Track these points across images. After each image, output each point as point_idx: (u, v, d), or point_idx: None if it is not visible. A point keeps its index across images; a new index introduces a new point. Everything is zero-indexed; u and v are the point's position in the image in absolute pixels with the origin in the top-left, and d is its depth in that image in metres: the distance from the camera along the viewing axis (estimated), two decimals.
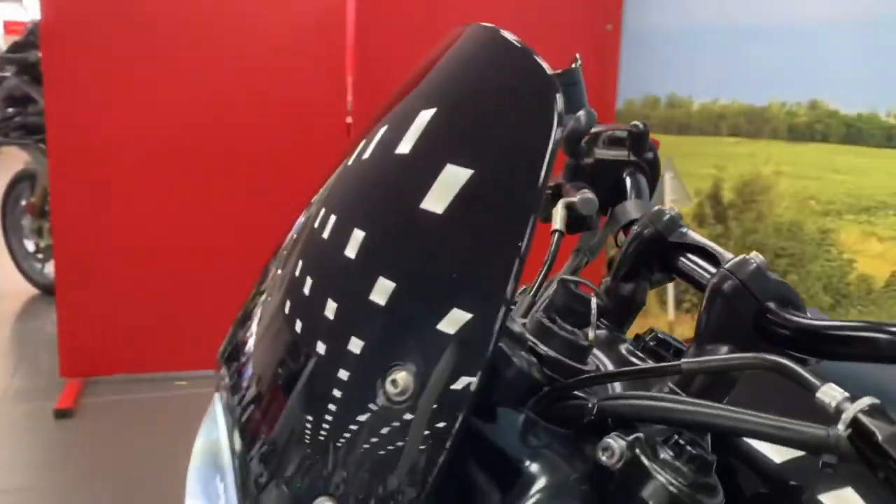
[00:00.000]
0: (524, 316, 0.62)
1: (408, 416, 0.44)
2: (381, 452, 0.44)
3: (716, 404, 0.50)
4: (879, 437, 0.40)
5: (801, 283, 2.53)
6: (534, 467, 0.49)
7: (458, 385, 0.44)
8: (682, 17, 3.21)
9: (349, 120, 3.24)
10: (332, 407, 0.46)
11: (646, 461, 0.47)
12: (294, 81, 3.17)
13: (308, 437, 0.45)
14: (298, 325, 0.48)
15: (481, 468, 0.50)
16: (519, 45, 0.52)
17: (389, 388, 0.44)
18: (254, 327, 0.53)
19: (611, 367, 0.59)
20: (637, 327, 0.68)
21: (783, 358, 0.46)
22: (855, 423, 0.42)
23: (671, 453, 0.48)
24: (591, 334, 0.54)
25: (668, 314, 3.18)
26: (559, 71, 0.73)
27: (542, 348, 0.53)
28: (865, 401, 0.42)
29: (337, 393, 0.46)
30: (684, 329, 3.08)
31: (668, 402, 0.50)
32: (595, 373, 0.53)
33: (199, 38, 3.08)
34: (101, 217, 3.09)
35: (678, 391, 0.54)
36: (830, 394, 0.43)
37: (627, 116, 3.60)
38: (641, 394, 0.51)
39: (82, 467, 2.53)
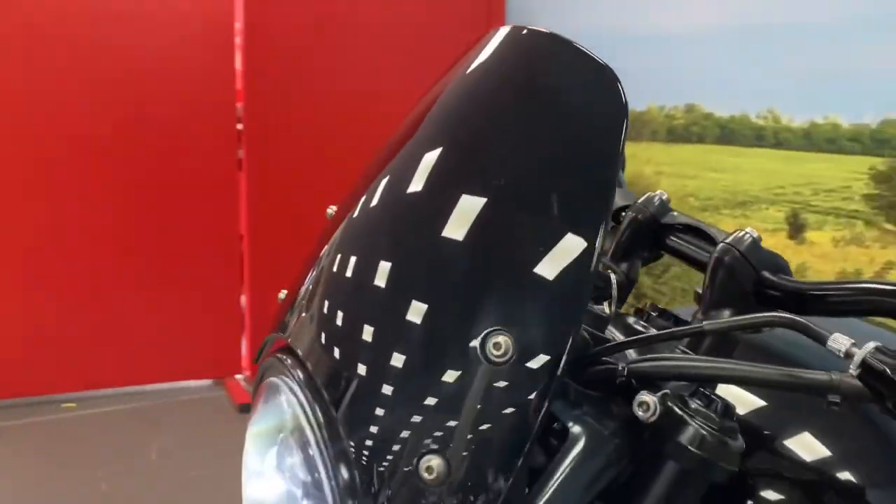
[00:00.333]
0: None
1: (509, 376, 0.48)
2: (485, 410, 0.48)
3: (730, 360, 0.56)
4: (889, 371, 0.48)
5: (684, 274, 2.72)
6: (574, 428, 0.54)
7: (553, 346, 0.48)
8: (564, 24, 3.37)
9: (239, 126, 3.18)
10: (434, 370, 0.49)
11: (679, 411, 0.53)
12: (180, 92, 3.08)
13: (410, 400, 0.48)
14: (393, 298, 0.51)
15: None
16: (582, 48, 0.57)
17: (491, 349, 0.48)
18: (327, 306, 0.54)
19: (622, 338, 0.65)
20: None
21: (794, 316, 0.53)
22: (864, 364, 0.49)
23: (700, 402, 0.54)
24: (612, 308, 0.60)
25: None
26: None
27: None
28: (871, 345, 0.50)
29: (439, 357, 0.49)
30: None
31: (690, 360, 0.56)
32: (628, 339, 0.58)
33: (78, 40, 2.93)
34: None
35: (688, 352, 0.60)
36: (840, 341, 0.50)
37: None
38: (666, 356, 0.57)
39: None
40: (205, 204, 3.17)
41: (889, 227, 2.19)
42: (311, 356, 0.52)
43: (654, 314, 0.68)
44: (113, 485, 2.40)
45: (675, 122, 2.85)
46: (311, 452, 0.50)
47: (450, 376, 0.48)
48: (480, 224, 0.51)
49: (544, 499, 0.52)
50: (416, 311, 0.50)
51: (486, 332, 0.48)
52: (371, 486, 0.47)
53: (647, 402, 0.53)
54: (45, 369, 2.99)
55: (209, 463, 2.60)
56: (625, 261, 0.72)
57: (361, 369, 0.50)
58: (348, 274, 0.54)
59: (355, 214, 0.57)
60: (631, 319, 0.69)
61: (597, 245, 0.50)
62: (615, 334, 0.66)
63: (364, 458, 0.48)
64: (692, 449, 0.52)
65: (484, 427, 0.48)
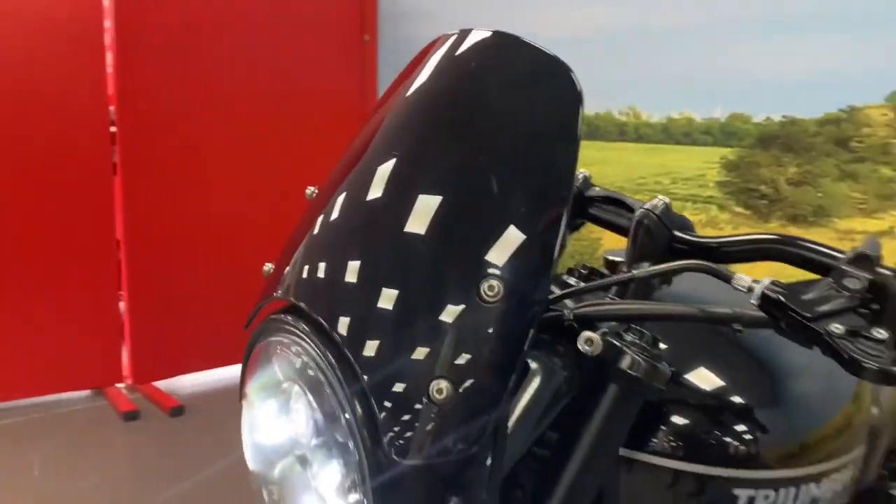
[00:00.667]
0: None
1: (500, 312, 0.57)
2: (482, 339, 0.57)
3: (655, 302, 0.68)
4: (782, 298, 0.61)
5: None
6: (532, 365, 0.65)
7: (532, 289, 0.58)
8: (433, 28, 3.50)
9: (113, 129, 3.10)
10: (439, 309, 0.57)
11: (618, 344, 0.64)
12: (49, 94, 2.96)
13: (419, 336, 0.56)
14: (405, 253, 0.58)
15: None
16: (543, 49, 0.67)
17: (486, 291, 0.57)
18: (336, 262, 0.61)
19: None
20: None
21: (705, 262, 0.66)
22: (763, 295, 0.62)
23: (633, 336, 0.65)
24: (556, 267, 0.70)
25: None
26: None
27: None
28: (767, 280, 0.63)
29: (444, 298, 0.57)
30: None
31: (623, 304, 0.68)
32: (575, 288, 0.69)
33: None
34: None
35: (618, 299, 0.72)
36: (743, 279, 0.63)
37: None
38: (603, 301, 0.69)
39: None
40: (79, 209, 3.06)
41: (739, 209, 2.45)
42: (321, 307, 0.59)
43: (584, 272, 0.79)
44: None
45: None
46: (326, 392, 0.57)
47: (453, 313, 0.57)
48: (474, 195, 0.60)
49: (511, 422, 0.62)
50: (425, 263, 0.58)
51: (482, 276, 0.58)
52: (386, 413, 0.55)
53: (592, 339, 0.64)
54: None
55: (98, 472, 2.54)
56: None
57: (374, 313, 0.57)
58: (356, 233, 0.61)
59: (356, 183, 0.64)
60: (565, 277, 0.80)
61: (565, 211, 0.61)
62: (554, 290, 0.77)
63: (379, 390, 0.56)
64: (630, 372, 0.63)
65: (481, 353, 0.57)
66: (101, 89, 3.07)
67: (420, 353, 0.56)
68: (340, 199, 0.64)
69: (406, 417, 0.55)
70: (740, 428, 0.73)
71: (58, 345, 3.05)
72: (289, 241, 0.69)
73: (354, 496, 0.57)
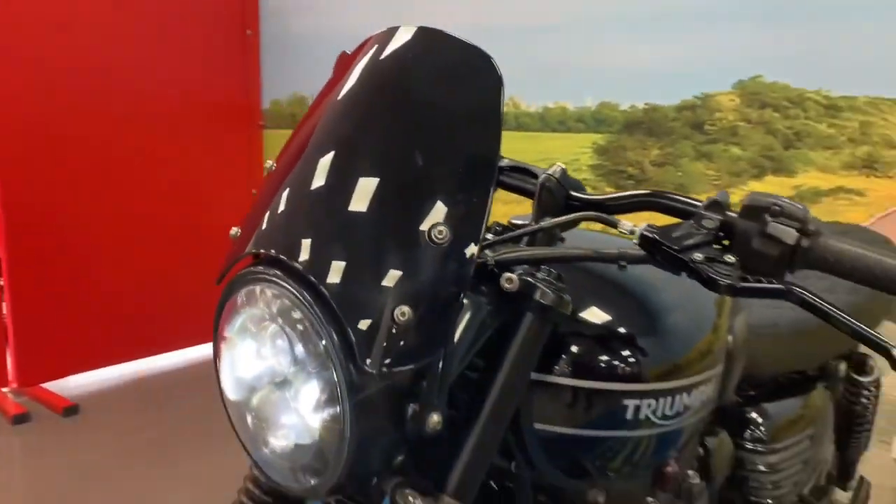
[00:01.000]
0: None
1: (447, 252, 0.70)
2: (434, 273, 0.70)
3: (558, 247, 0.84)
4: (658, 237, 0.77)
5: None
6: (464, 300, 0.79)
7: (473, 234, 0.72)
8: (318, 22, 3.58)
9: None
10: (401, 249, 0.69)
11: (532, 280, 0.79)
12: None
13: (384, 271, 0.68)
14: (372, 204, 0.70)
15: None
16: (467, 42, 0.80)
17: (436, 235, 0.70)
18: (303, 215, 0.72)
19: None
20: None
21: (597, 212, 0.82)
22: (642, 235, 0.78)
23: (543, 274, 0.80)
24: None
25: None
26: None
27: None
28: (644, 224, 0.79)
29: (401, 239, 0.70)
30: None
31: (534, 249, 0.83)
32: (495, 239, 0.83)
33: None
34: None
35: (528, 248, 0.87)
36: (626, 224, 0.79)
37: (275, 115, 3.87)
38: (518, 248, 0.83)
39: None
40: None
41: (610, 190, 2.69)
42: (294, 254, 0.70)
43: (499, 229, 0.94)
44: None
45: None
46: (305, 325, 0.68)
47: (411, 253, 0.70)
48: (422, 162, 0.73)
49: (447, 349, 0.75)
50: (384, 213, 0.71)
51: (431, 224, 0.70)
52: (358, 336, 0.67)
53: (511, 278, 0.78)
54: None
55: None
56: None
57: (342, 256, 0.69)
58: (320, 191, 0.72)
59: (316, 150, 0.75)
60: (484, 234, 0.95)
61: (495, 173, 0.75)
62: None
63: (351, 317, 0.67)
64: (543, 301, 0.78)
65: (434, 284, 0.70)
66: None
67: (384, 285, 0.69)
68: (300, 164, 0.75)
69: (375, 338, 0.67)
70: (628, 350, 0.89)
71: None
72: (253, 208, 0.79)
73: (330, 409, 0.69)
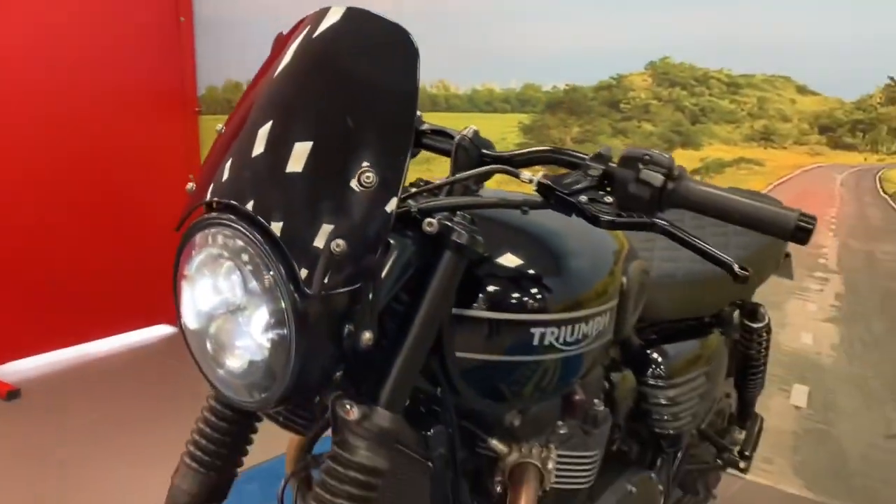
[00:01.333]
0: None
1: (374, 194, 0.83)
2: (363, 212, 0.82)
3: (470, 196, 0.98)
4: (551, 184, 0.92)
5: None
6: (392, 241, 0.91)
7: (395, 179, 0.84)
8: (250, 7, 3.64)
9: None
10: (335, 192, 0.81)
11: (450, 224, 0.92)
12: None
13: (322, 210, 0.80)
14: (312, 154, 0.82)
15: None
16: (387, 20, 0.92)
17: (364, 179, 0.82)
18: (250, 167, 0.82)
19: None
20: None
21: (504, 166, 0.96)
22: (539, 183, 0.92)
23: (459, 219, 0.94)
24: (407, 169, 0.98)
25: None
26: None
27: None
28: (541, 173, 0.94)
29: (336, 183, 0.82)
30: None
31: (452, 198, 0.97)
32: (418, 189, 0.96)
33: None
34: None
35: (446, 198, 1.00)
36: (526, 174, 0.93)
37: (210, 101, 3.92)
38: (438, 198, 0.97)
39: None
40: None
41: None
42: (245, 200, 0.81)
43: (422, 183, 1.07)
44: None
45: None
46: (255, 261, 0.80)
47: (344, 196, 0.82)
48: (350, 121, 0.85)
49: (382, 276, 0.88)
50: (319, 162, 0.83)
51: (360, 169, 0.83)
52: (301, 266, 0.79)
53: (432, 222, 0.91)
54: None
55: None
56: None
57: (286, 198, 0.80)
58: (264, 147, 0.84)
59: (260, 114, 0.87)
60: (408, 187, 1.08)
61: (412, 130, 0.88)
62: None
63: (295, 251, 0.79)
64: (458, 241, 0.92)
65: (363, 221, 0.83)
66: None
67: (321, 223, 0.81)
68: (247, 126, 0.87)
69: (315, 266, 0.79)
70: (533, 286, 1.03)
71: None
72: (205, 164, 0.90)
73: (278, 331, 0.81)
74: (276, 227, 0.80)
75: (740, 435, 1.97)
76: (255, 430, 1.09)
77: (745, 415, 1.99)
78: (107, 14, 3.53)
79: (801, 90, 2.30)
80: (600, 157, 0.93)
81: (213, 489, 1.06)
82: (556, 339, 1.05)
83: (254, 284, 0.82)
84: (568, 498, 1.27)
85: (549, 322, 1.04)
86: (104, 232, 3.61)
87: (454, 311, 1.00)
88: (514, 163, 1.04)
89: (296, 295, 0.79)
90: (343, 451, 0.88)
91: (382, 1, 3.24)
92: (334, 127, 0.86)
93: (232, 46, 3.75)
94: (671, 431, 1.52)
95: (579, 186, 0.91)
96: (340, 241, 0.80)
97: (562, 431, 1.20)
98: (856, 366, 2.30)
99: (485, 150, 1.05)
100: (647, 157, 0.89)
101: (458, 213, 0.95)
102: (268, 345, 0.83)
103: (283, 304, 0.80)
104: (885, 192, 2.20)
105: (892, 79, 2.15)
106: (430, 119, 1.16)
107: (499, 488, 1.13)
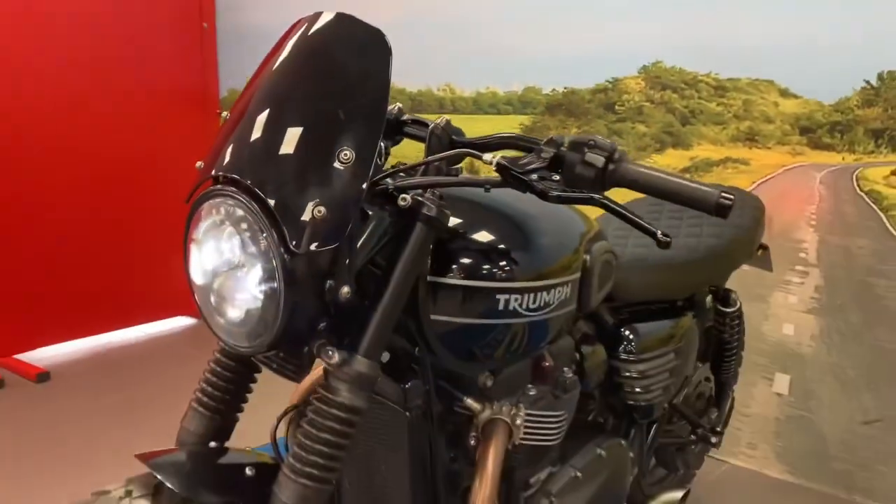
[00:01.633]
0: None
1: (352, 170, 0.98)
2: (342, 184, 0.97)
3: (447, 176, 1.13)
4: (507, 164, 1.06)
5: None
6: (369, 212, 1.06)
7: (369, 157, 0.99)
8: (273, 16, 3.82)
9: None
10: (318, 168, 0.95)
11: (421, 199, 1.07)
12: None
13: (308, 183, 0.94)
14: (291, 137, 0.96)
15: None
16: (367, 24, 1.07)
17: (342, 157, 0.97)
18: (248, 148, 0.97)
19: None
20: None
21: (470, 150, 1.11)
22: (498, 164, 1.07)
23: (430, 196, 1.08)
24: (383, 161, 1.13)
25: None
26: None
27: None
28: (500, 154, 1.08)
29: (319, 159, 0.96)
30: None
31: (425, 178, 1.11)
32: (398, 168, 1.11)
33: None
34: None
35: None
36: (487, 156, 1.07)
37: (231, 103, 4.09)
38: (414, 178, 1.11)
39: None
40: None
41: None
42: (244, 174, 0.96)
43: (402, 165, 1.22)
44: None
45: None
46: (251, 226, 0.95)
47: (326, 171, 0.97)
48: (332, 108, 1.00)
49: (360, 242, 1.02)
50: (305, 143, 0.98)
51: (338, 149, 0.98)
52: (289, 230, 0.94)
53: (405, 197, 1.06)
54: None
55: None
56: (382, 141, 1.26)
57: (278, 173, 0.95)
58: (260, 132, 0.99)
59: (257, 105, 1.02)
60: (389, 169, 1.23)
61: (383, 118, 1.03)
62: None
63: (285, 218, 0.94)
64: (428, 214, 1.06)
65: (342, 191, 0.97)
66: None
67: (307, 192, 0.95)
68: (248, 113, 1.02)
69: (302, 230, 0.94)
70: (499, 256, 1.18)
71: None
72: (211, 149, 1.06)
73: (270, 284, 0.96)
74: (270, 197, 0.95)
75: (716, 415, 2.10)
76: (254, 381, 1.25)
77: (722, 396, 2.11)
78: (133, 21, 3.72)
79: (784, 93, 2.42)
80: (552, 142, 1.07)
81: (217, 430, 1.21)
82: (520, 305, 1.19)
83: (251, 246, 0.97)
84: (539, 455, 1.41)
85: (512, 290, 1.18)
86: (129, 227, 3.79)
87: (430, 278, 1.14)
88: (479, 147, 1.18)
89: (285, 255, 0.94)
90: (327, 392, 1.03)
91: (393, 9, 3.43)
92: (320, 114, 1.01)
93: (252, 51, 3.90)
94: (642, 403, 1.65)
95: (532, 167, 1.05)
96: (322, 208, 0.95)
97: (531, 393, 1.33)
98: (834, 355, 2.42)
99: (454, 137, 1.20)
100: (591, 143, 1.03)
101: (429, 190, 1.09)
102: (261, 297, 0.98)
103: (274, 264, 0.95)
104: (861, 190, 2.32)
105: (867, 83, 2.27)
106: None
107: (472, 441, 1.26)
